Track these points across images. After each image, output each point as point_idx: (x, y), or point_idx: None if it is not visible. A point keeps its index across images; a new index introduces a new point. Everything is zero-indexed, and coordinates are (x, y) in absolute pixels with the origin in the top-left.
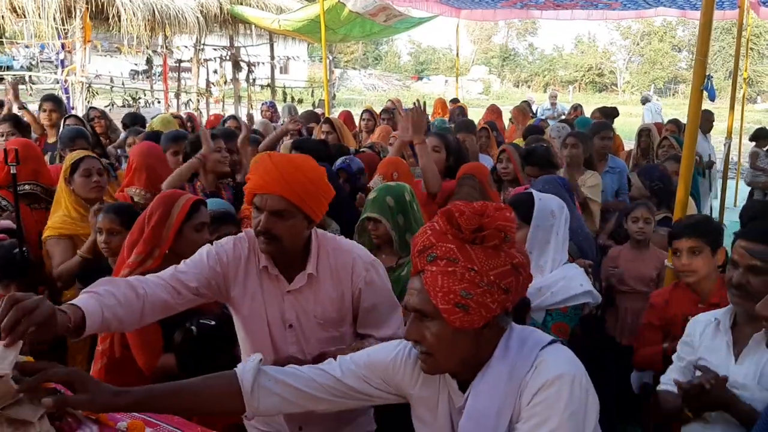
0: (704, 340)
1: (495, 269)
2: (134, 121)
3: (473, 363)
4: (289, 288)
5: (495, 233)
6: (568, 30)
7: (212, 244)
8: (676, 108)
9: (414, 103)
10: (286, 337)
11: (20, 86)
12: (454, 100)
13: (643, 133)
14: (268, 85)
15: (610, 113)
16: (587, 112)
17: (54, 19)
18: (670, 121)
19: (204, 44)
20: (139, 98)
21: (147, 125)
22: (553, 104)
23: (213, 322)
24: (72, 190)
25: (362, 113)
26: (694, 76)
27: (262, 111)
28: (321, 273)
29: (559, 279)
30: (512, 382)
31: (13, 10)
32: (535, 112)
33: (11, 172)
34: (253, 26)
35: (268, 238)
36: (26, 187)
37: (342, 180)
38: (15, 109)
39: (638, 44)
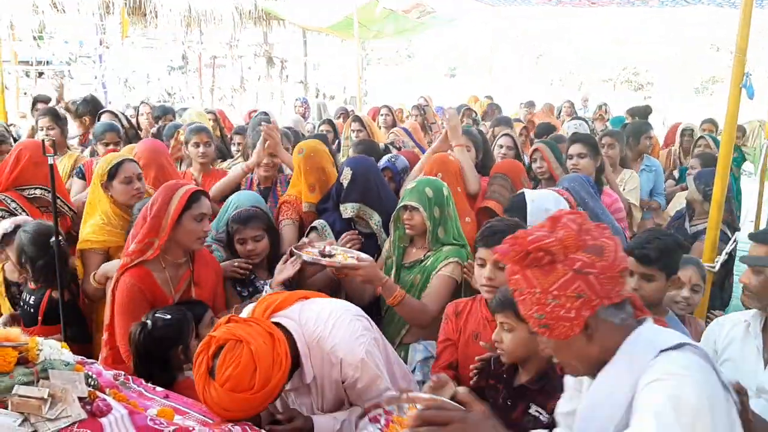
0: (732, 343)
1: (555, 283)
2: (165, 113)
3: (596, 362)
4: (288, 388)
5: (536, 254)
6: (603, 28)
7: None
8: (711, 106)
9: (447, 109)
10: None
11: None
12: (489, 98)
13: (686, 132)
14: (301, 82)
15: (643, 112)
16: (620, 111)
17: (92, 15)
18: (706, 121)
19: (238, 40)
20: (174, 93)
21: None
22: (585, 105)
23: (168, 317)
24: (110, 196)
25: (381, 109)
26: (733, 73)
27: (295, 107)
28: (317, 376)
29: None
30: (626, 382)
31: (54, 5)
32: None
33: (48, 163)
34: (286, 23)
35: None
36: (36, 191)
37: (387, 179)
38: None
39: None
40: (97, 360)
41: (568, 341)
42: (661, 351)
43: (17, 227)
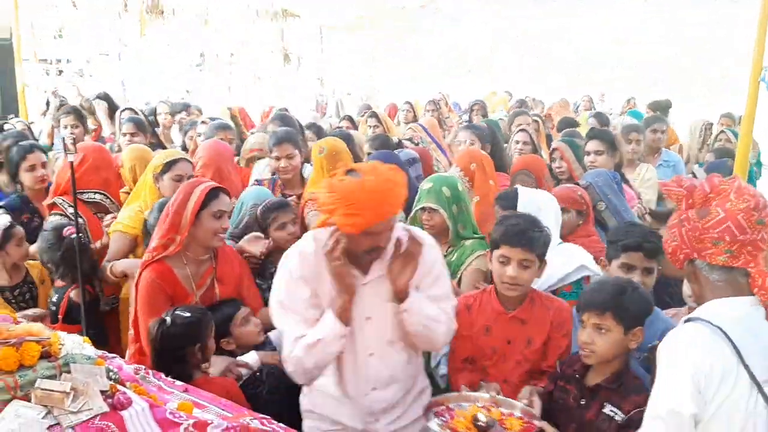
0: None
1: (671, 222)
2: (184, 108)
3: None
4: (365, 280)
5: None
6: (603, 28)
7: (282, 270)
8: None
9: None
10: (364, 330)
11: (80, 78)
12: (508, 93)
13: (706, 127)
14: (318, 78)
15: (663, 106)
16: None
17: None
18: (724, 115)
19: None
20: (188, 92)
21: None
22: (602, 100)
23: (188, 315)
24: (158, 189)
25: (403, 104)
26: (752, 67)
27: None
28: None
29: (551, 262)
30: None
31: (73, 4)
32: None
33: (68, 160)
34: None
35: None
36: (96, 196)
37: None
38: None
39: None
40: (124, 356)
41: (688, 274)
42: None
43: (12, 225)
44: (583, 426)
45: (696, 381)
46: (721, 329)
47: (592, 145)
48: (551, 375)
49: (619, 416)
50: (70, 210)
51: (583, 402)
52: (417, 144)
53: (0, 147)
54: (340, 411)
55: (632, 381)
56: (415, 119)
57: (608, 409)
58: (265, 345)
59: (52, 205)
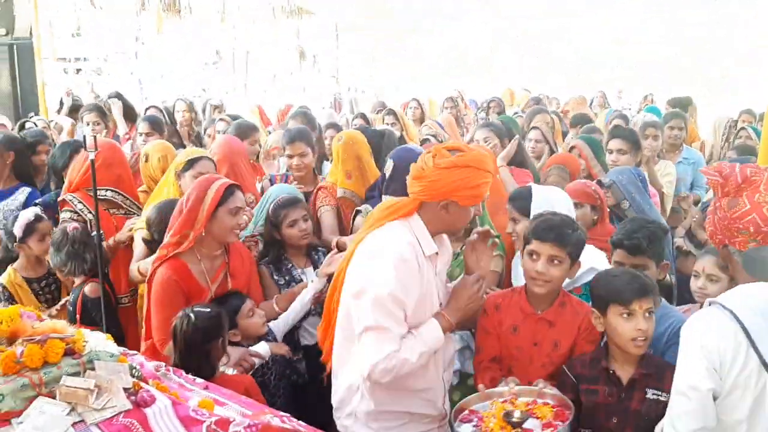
0: None
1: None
2: (218, 105)
3: None
4: (437, 270)
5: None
6: (603, 28)
7: (397, 264)
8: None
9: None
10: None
11: (98, 76)
12: (527, 90)
13: (730, 125)
14: (333, 76)
15: (683, 103)
16: None
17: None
18: (744, 111)
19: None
20: (204, 89)
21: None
22: (620, 96)
23: (209, 310)
24: (179, 186)
25: (410, 102)
26: None
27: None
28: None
29: None
30: None
31: (91, 3)
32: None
33: (89, 158)
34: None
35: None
36: (107, 193)
37: None
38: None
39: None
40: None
41: (723, 257)
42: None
43: (38, 219)
44: (628, 417)
45: (710, 360)
46: (732, 312)
47: (615, 144)
48: (570, 385)
49: (664, 396)
50: (80, 206)
51: (623, 396)
52: (440, 141)
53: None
54: (410, 402)
55: (659, 362)
56: (422, 117)
57: (650, 393)
58: (267, 335)
59: (63, 202)
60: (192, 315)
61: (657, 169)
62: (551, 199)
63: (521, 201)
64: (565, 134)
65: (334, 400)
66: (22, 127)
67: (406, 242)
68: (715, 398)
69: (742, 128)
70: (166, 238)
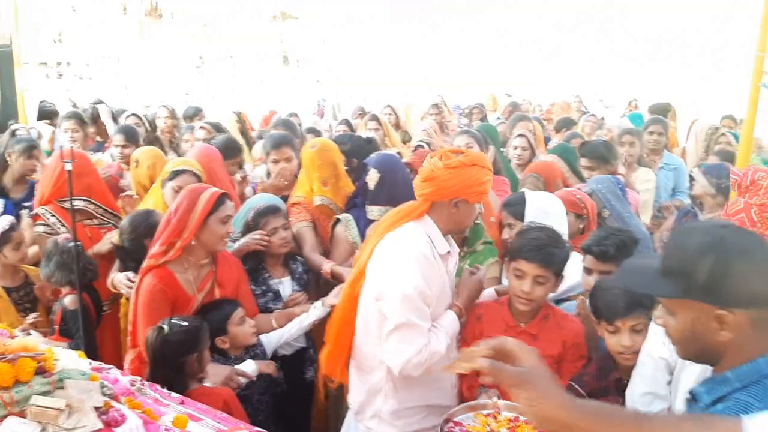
0: None
1: None
2: (195, 114)
3: None
4: (449, 269)
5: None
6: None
7: (419, 260)
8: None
9: None
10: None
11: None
12: (508, 95)
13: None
14: (318, 80)
15: (662, 109)
16: None
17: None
18: (726, 117)
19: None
20: (187, 94)
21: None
22: (602, 101)
23: (185, 323)
24: (162, 194)
25: (384, 108)
26: (753, 73)
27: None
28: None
29: None
30: None
31: (73, 9)
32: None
33: (65, 168)
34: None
35: None
36: (80, 203)
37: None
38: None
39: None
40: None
41: None
42: None
43: (12, 228)
44: None
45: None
46: None
47: (583, 162)
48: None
49: None
50: (52, 219)
51: None
52: (432, 149)
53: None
54: (428, 394)
55: None
56: (397, 122)
57: None
58: (256, 346)
59: (36, 216)
60: (165, 327)
61: (636, 176)
62: (545, 206)
63: (516, 206)
64: (547, 140)
65: (354, 403)
66: (12, 134)
67: (423, 240)
68: (672, 371)
69: (722, 134)
70: (155, 248)
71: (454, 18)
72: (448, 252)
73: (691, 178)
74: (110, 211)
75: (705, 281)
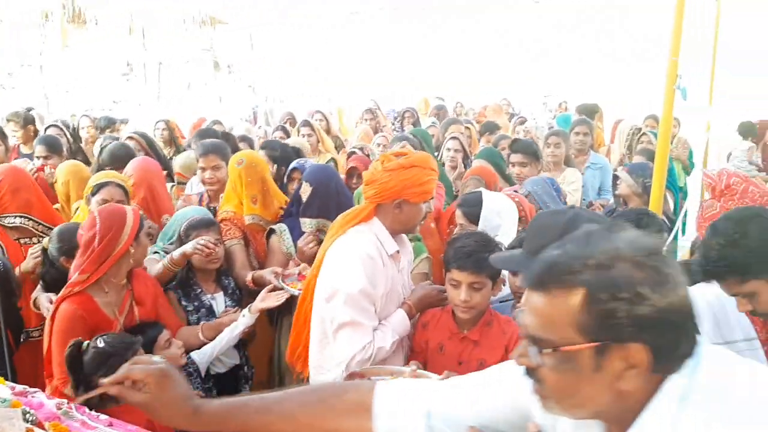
0: None
1: None
2: (109, 124)
3: None
4: (400, 267)
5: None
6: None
7: (364, 260)
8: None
9: None
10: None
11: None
12: (440, 98)
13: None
14: (249, 86)
15: (589, 110)
16: None
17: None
18: (649, 117)
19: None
20: (115, 102)
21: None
22: (545, 103)
23: (102, 345)
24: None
25: (315, 114)
26: (667, 77)
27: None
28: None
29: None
30: None
31: None
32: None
33: None
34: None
35: None
36: (16, 220)
37: (297, 180)
38: None
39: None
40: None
41: None
42: None
43: None
44: None
45: None
46: None
47: (516, 158)
48: None
49: None
50: None
51: None
52: (368, 155)
53: None
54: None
55: None
56: (328, 128)
57: None
58: (188, 365)
59: None
60: (84, 344)
61: (564, 176)
62: (498, 207)
63: (472, 208)
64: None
65: None
66: None
67: (370, 242)
68: None
69: (644, 133)
70: (75, 276)
71: (406, 22)
72: (398, 251)
73: (616, 178)
74: (52, 227)
75: None
